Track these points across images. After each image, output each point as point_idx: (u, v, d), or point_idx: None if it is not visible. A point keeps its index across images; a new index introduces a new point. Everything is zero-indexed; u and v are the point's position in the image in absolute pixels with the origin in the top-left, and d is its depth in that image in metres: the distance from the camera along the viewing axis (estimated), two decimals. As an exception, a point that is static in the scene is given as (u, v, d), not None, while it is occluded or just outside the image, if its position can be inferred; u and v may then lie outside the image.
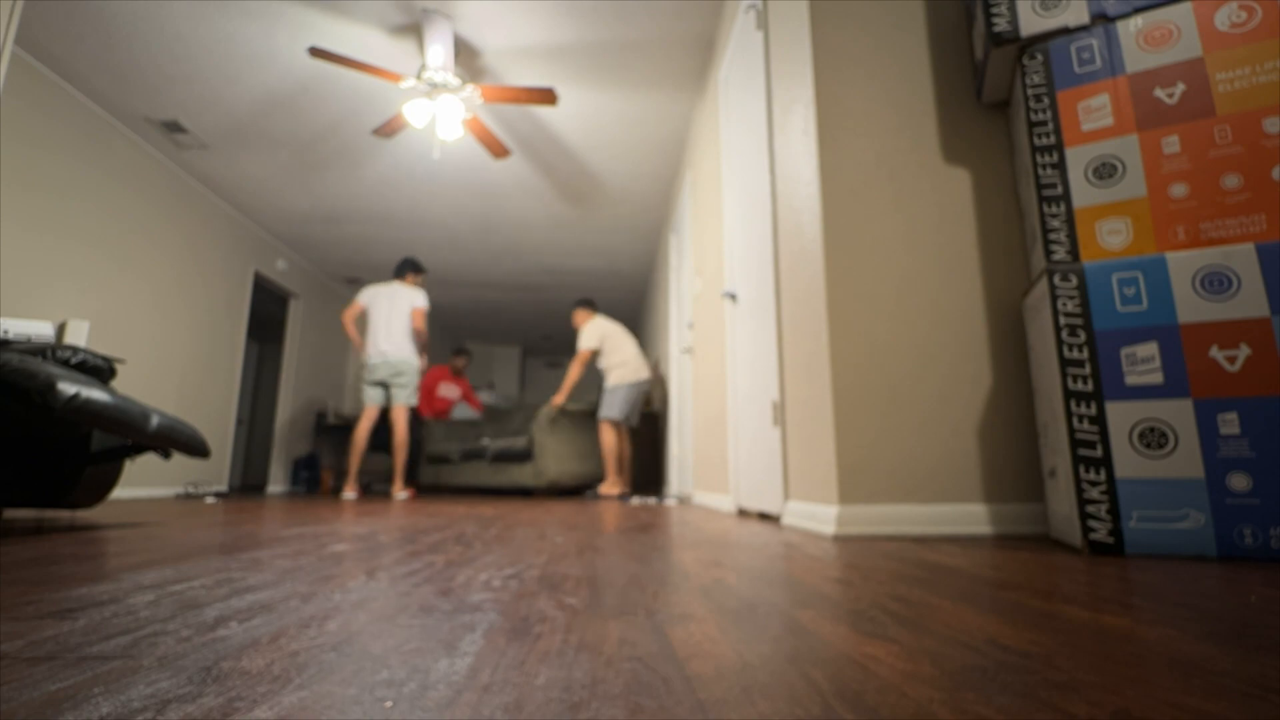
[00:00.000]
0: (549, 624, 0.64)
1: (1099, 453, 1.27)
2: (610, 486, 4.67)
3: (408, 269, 4.73)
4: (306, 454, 6.91)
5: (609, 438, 4.73)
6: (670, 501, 3.96)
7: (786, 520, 2.01)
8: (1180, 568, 1.04)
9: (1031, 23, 1.57)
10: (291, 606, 0.72)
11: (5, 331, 2.72)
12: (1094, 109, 1.47)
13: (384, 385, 4.57)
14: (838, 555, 1.22)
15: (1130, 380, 1.27)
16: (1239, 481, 1.16)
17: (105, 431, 1.75)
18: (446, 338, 9.49)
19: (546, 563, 1.10)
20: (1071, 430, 1.30)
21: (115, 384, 4.28)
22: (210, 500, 4.00)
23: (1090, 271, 1.34)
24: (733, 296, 2.83)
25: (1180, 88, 1.40)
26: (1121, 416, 1.27)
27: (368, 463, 7.98)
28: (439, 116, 3.50)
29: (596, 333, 4.95)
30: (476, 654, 0.53)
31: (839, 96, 1.88)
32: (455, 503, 3.80)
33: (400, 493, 4.46)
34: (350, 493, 4.41)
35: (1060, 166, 1.49)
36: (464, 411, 6.59)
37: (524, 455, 5.18)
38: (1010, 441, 1.68)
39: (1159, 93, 1.41)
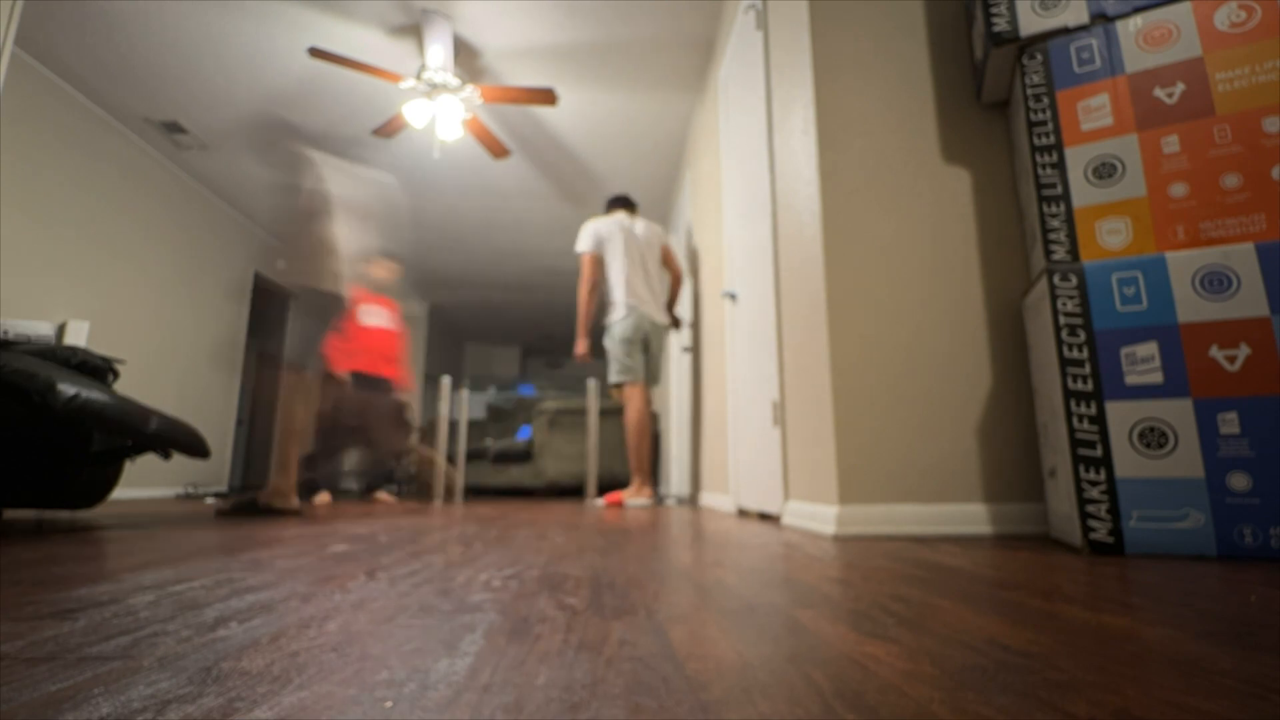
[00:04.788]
0: (549, 624, 0.64)
1: (1099, 452, 1.27)
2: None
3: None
4: (306, 454, 6.90)
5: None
6: (670, 502, 3.96)
7: (786, 520, 2.01)
8: (1180, 567, 1.04)
9: (1031, 23, 1.57)
10: (291, 607, 0.72)
11: (5, 332, 2.71)
12: (1093, 109, 1.47)
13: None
14: (838, 555, 1.22)
15: (1130, 380, 1.27)
16: (1239, 481, 1.16)
17: (105, 432, 1.75)
18: (448, 338, 9.49)
19: (546, 563, 1.10)
20: (1071, 430, 1.30)
21: (115, 384, 4.27)
22: (210, 501, 4.00)
23: (1090, 271, 1.34)
24: (732, 296, 2.83)
25: (1180, 87, 1.40)
26: (1121, 416, 1.27)
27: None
28: (439, 117, 3.50)
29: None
30: (476, 654, 0.53)
31: (839, 96, 1.88)
32: (455, 503, 3.80)
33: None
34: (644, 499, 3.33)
35: (1060, 166, 1.48)
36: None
37: (524, 455, 5.18)
38: (1010, 441, 1.68)
39: (1159, 92, 1.41)
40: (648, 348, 3.51)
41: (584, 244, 3.56)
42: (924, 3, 1.94)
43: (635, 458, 3.38)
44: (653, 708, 0.40)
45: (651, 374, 3.52)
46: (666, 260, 3.75)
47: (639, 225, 3.65)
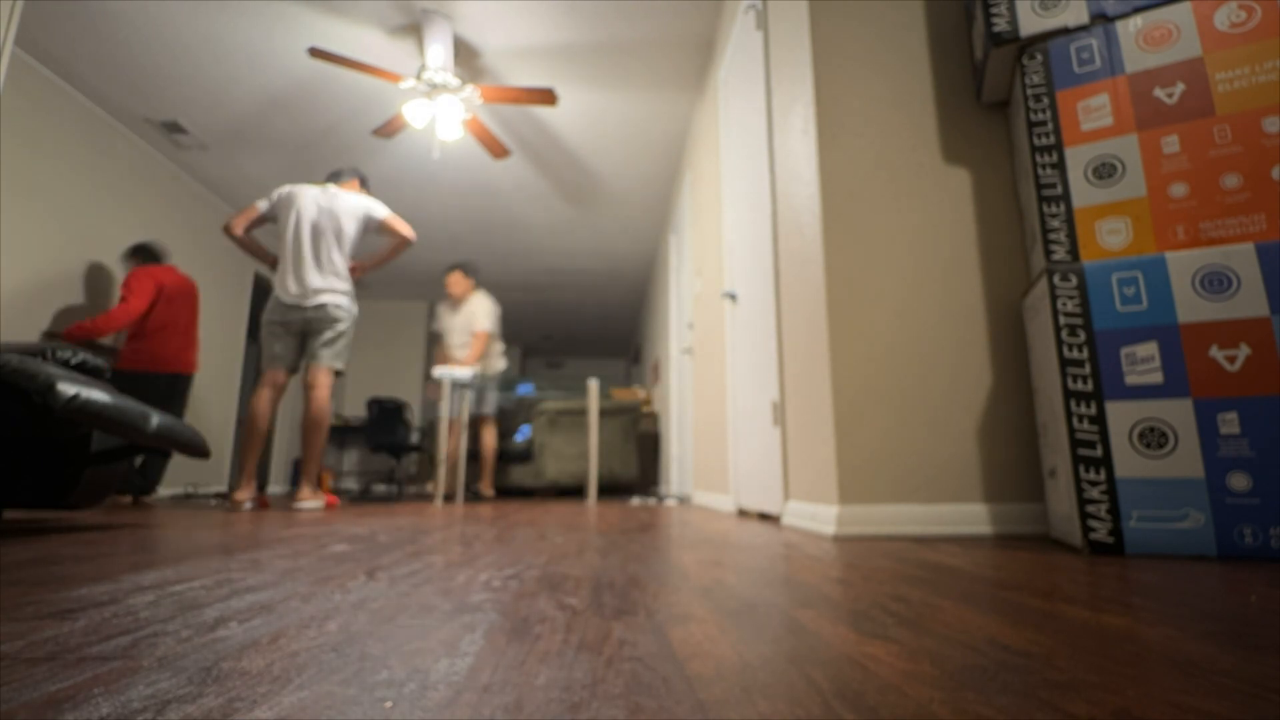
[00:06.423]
0: (549, 624, 0.64)
1: (1099, 452, 1.27)
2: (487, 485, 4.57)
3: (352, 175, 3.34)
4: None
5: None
6: (670, 502, 3.96)
7: (786, 520, 2.01)
8: (1180, 567, 1.04)
9: (1031, 23, 1.57)
10: (291, 607, 0.72)
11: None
12: (1093, 109, 1.47)
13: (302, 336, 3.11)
14: (838, 555, 1.22)
15: (1130, 380, 1.27)
16: (1239, 481, 1.16)
17: (105, 432, 1.75)
18: (446, 338, 9.47)
19: (546, 563, 1.10)
20: (1071, 430, 1.30)
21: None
22: (211, 502, 4.00)
23: (1090, 271, 1.34)
24: (733, 296, 2.83)
25: (1180, 87, 1.40)
26: (1121, 416, 1.27)
27: (370, 462, 7.92)
28: (439, 117, 3.50)
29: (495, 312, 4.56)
30: (476, 654, 0.53)
31: (839, 96, 1.88)
32: (454, 503, 3.80)
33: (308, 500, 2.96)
34: (245, 498, 2.84)
35: (1060, 166, 1.48)
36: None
37: (524, 455, 5.18)
38: (1010, 441, 1.68)
39: (1159, 92, 1.41)
40: (304, 335, 3.10)
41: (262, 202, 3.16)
42: (924, 3, 1.94)
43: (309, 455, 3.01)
44: (653, 708, 0.40)
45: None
46: (386, 230, 3.28)
47: (340, 198, 3.18)
